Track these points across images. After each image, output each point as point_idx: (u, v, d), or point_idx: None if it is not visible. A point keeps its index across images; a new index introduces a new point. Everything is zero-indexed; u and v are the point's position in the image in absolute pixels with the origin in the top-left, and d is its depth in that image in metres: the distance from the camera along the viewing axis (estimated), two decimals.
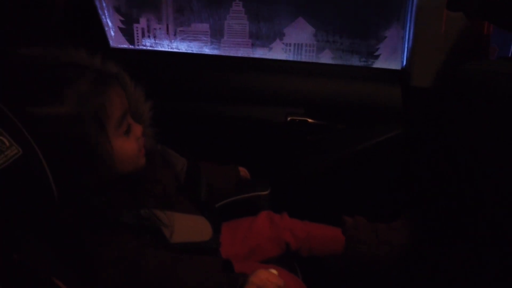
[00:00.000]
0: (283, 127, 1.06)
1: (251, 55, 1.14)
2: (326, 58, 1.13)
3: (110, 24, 1.12)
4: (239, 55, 1.14)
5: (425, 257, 0.93)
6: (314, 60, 1.13)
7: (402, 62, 1.06)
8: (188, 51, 1.15)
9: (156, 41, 1.15)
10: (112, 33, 1.14)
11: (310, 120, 1.06)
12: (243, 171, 1.01)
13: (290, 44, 1.14)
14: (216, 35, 1.14)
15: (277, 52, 1.15)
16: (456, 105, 0.92)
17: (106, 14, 1.11)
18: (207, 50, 1.15)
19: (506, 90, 0.74)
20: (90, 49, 0.69)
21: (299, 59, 1.15)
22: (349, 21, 1.11)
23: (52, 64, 0.61)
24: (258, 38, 1.14)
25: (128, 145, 0.65)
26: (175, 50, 1.15)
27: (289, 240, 0.88)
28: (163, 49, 1.15)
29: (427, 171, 1.00)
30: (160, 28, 1.14)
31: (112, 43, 1.15)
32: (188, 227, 0.69)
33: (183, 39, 1.15)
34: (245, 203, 0.95)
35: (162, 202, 0.69)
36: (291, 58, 1.15)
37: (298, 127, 1.06)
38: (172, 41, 1.15)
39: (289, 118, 1.06)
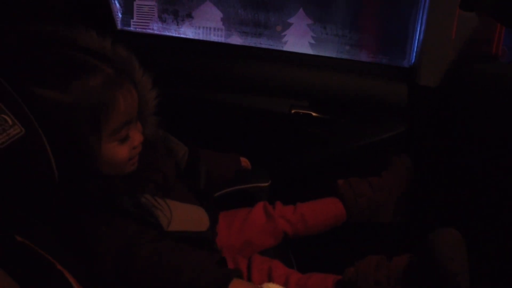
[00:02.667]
0: (286, 119, 1.06)
1: (258, 45, 1.13)
2: (332, 51, 1.12)
3: (117, 5, 1.11)
4: (247, 44, 1.13)
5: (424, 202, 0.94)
6: (325, 53, 1.11)
7: (410, 60, 1.05)
8: (195, 38, 1.14)
9: (163, 26, 1.14)
10: (119, 15, 1.13)
11: (314, 114, 1.06)
12: (244, 161, 1.02)
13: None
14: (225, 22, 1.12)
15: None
16: (463, 106, 0.92)
17: None
18: (214, 38, 1.13)
19: None
20: (97, 30, 0.68)
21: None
22: (359, 15, 1.10)
23: (70, 48, 0.58)
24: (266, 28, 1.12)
25: (119, 152, 0.62)
26: (182, 35, 1.14)
27: (284, 227, 0.88)
28: (170, 33, 1.14)
29: (429, 171, 1.00)
30: (168, 12, 1.13)
31: (119, 25, 1.14)
32: (185, 217, 0.70)
33: (190, 25, 1.13)
34: (244, 194, 0.95)
35: (161, 190, 0.69)
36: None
37: (302, 120, 1.06)
38: (180, 26, 1.14)
39: (293, 111, 1.06)
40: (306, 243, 0.91)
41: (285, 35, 1.12)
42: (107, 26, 1.10)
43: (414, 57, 1.03)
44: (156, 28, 1.14)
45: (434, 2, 0.91)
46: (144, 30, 1.14)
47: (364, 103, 1.04)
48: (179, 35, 1.14)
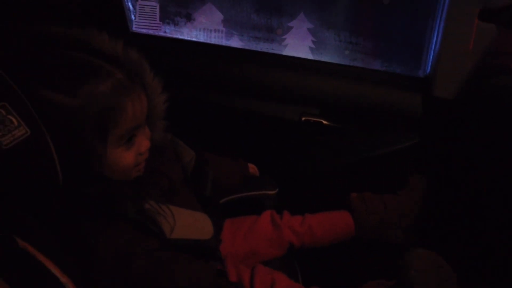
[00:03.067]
0: (296, 126, 1.04)
1: (270, 50, 1.12)
2: (347, 59, 1.10)
3: (131, 7, 1.11)
4: (259, 49, 1.12)
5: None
6: (333, 60, 1.10)
7: (425, 70, 1.03)
8: (207, 41, 1.13)
9: (176, 28, 1.14)
10: (133, 17, 1.13)
11: (325, 122, 1.04)
12: (252, 168, 1.00)
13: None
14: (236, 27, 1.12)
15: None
16: (479, 120, 0.89)
17: None
18: (225, 41, 1.13)
19: None
20: (110, 32, 0.67)
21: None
22: (372, 21, 1.08)
23: (81, 50, 0.57)
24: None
25: (125, 158, 0.61)
26: (194, 39, 1.13)
27: (291, 238, 0.87)
28: (182, 36, 1.14)
29: (441, 186, 0.97)
30: (180, 15, 1.13)
31: (132, 27, 1.14)
32: (189, 224, 0.68)
33: (203, 28, 1.13)
34: (251, 201, 0.94)
35: (166, 195, 0.68)
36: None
37: (312, 128, 1.04)
38: (192, 29, 1.13)
39: (303, 118, 1.04)
40: (312, 255, 0.89)
41: (285, 39, 1.11)
42: (120, 28, 1.10)
43: (429, 67, 1.01)
44: (158, 28, 1.14)
45: (452, 11, 0.89)
46: (156, 33, 1.14)
47: (377, 113, 1.02)
48: (191, 38, 1.14)
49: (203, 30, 1.13)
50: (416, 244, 0.91)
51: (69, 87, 0.54)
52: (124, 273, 0.56)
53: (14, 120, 0.51)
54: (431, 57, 1.00)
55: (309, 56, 1.11)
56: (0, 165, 0.50)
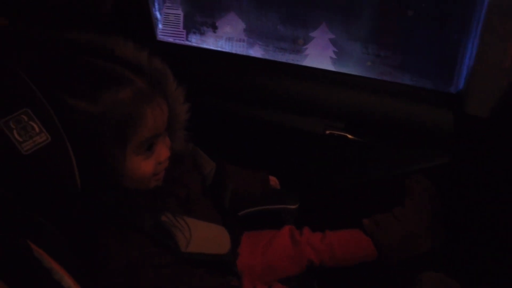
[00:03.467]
0: (320, 140, 1.02)
1: (293, 61, 1.10)
2: (371, 70, 1.07)
3: (158, 16, 1.12)
4: (284, 60, 1.10)
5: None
6: (356, 71, 1.07)
7: (458, 86, 0.98)
8: (232, 52, 1.13)
9: (202, 38, 1.14)
10: (160, 26, 1.14)
11: (350, 136, 1.01)
12: (273, 181, 0.98)
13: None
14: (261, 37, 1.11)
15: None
16: None
17: (156, 6, 1.11)
18: (250, 52, 1.12)
19: None
20: (137, 40, 0.67)
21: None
22: (401, 34, 1.04)
23: (104, 58, 0.58)
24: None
25: (144, 166, 0.60)
26: (219, 49, 1.13)
27: (311, 256, 0.84)
28: (208, 46, 1.14)
29: (471, 207, 0.92)
30: (204, 24, 1.13)
31: (159, 36, 1.15)
32: (205, 237, 0.66)
33: (228, 39, 1.13)
34: (271, 215, 0.92)
35: (183, 207, 0.66)
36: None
37: (337, 142, 1.01)
38: (217, 39, 1.13)
39: (327, 132, 1.01)
40: (332, 275, 0.85)
41: (306, 49, 1.09)
42: (147, 37, 1.11)
43: (462, 83, 0.96)
44: (182, 36, 1.14)
45: (488, 25, 0.85)
46: (181, 42, 1.15)
47: (405, 129, 0.98)
48: (216, 48, 1.13)
49: (226, 39, 1.13)
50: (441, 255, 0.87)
51: (90, 94, 0.54)
52: (133, 286, 0.55)
53: (35, 126, 0.51)
54: (464, 72, 0.95)
55: (330, 67, 1.08)
56: (19, 171, 0.50)
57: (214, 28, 1.13)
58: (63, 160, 0.53)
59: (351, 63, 1.09)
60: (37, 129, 0.51)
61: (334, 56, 1.09)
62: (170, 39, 1.15)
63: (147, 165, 0.61)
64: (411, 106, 0.98)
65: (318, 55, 1.10)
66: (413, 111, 0.98)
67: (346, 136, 1.01)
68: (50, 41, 0.59)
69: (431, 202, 0.90)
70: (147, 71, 0.60)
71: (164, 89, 0.63)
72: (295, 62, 1.10)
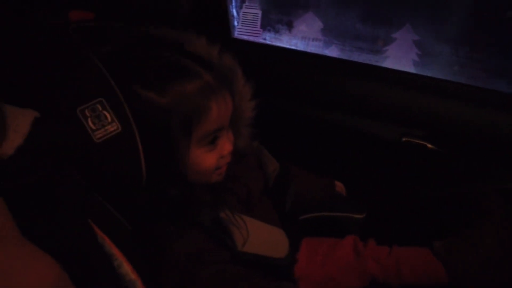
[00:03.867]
0: (395, 147, 0.94)
1: (367, 61, 1.04)
2: (460, 75, 0.97)
3: (235, 14, 1.13)
4: (357, 59, 1.04)
5: None
6: (441, 76, 0.97)
7: None
8: (307, 50, 1.10)
9: (275, 36, 1.13)
10: (236, 23, 1.15)
11: (429, 146, 0.92)
12: (339, 187, 0.93)
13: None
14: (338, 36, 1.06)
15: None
16: None
17: (233, 4, 1.12)
18: (326, 51, 1.08)
19: None
20: (212, 37, 0.68)
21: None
22: (498, 36, 0.93)
23: (175, 51, 0.60)
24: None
25: (206, 160, 0.61)
26: (293, 47, 1.11)
27: (374, 271, 0.77)
28: (281, 44, 1.12)
29: None
30: (281, 23, 1.12)
31: (234, 33, 1.16)
32: (263, 239, 0.65)
33: (303, 37, 1.10)
34: (334, 222, 0.87)
35: (243, 206, 0.65)
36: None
37: (414, 151, 0.93)
38: (291, 37, 1.11)
39: (404, 139, 0.93)
40: None
41: (386, 50, 1.02)
42: (222, 34, 1.13)
43: None
44: (258, 35, 1.15)
45: None
46: (256, 39, 1.15)
47: (495, 142, 0.86)
48: (290, 47, 1.11)
49: (302, 38, 1.10)
50: None
51: (159, 86, 0.56)
52: (190, 280, 0.55)
53: (108, 115, 0.54)
54: None
55: (412, 70, 1.00)
56: (91, 157, 0.53)
57: (290, 27, 1.11)
58: (131, 150, 0.55)
59: (436, 67, 0.99)
60: (109, 119, 0.54)
61: (417, 59, 1.01)
62: (245, 37, 1.15)
63: (210, 158, 0.61)
64: (505, 117, 0.87)
65: (400, 57, 1.02)
66: (506, 123, 0.86)
67: (426, 145, 0.92)
68: (126, 35, 0.61)
69: (509, 224, 0.78)
70: (217, 66, 0.61)
71: (231, 85, 0.63)
72: (373, 63, 1.04)
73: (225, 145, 0.63)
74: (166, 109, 0.56)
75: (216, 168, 0.64)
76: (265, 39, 1.15)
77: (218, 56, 0.64)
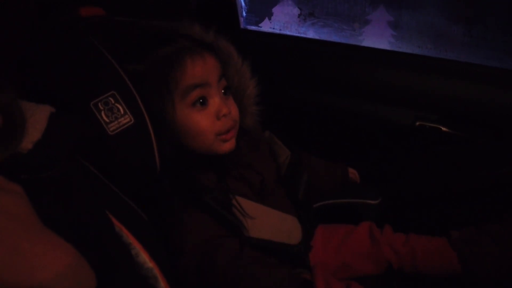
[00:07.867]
0: (408, 132, 0.93)
1: (382, 47, 1.02)
2: (477, 56, 0.94)
3: (243, 4, 1.13)
4: (369, 45, 1.03)
5: None
6: (460, 58, 0.95)
7: None
8: (315, 37, 1.09)
9: (285, 24, 1.12)
10: (244, 14, 1.14)
11: (444, 129, 0.91)
12: (352, 173, 0.93)
13: None
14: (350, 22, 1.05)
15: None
16: None
17: None
18: (336, 38, 1.07)
19: None
20: (220, 27, 0.70)
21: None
22: None
23: (164, 33, 0.65)
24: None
25: (198, 120, 0.61)
26: (302, 35, 1.10)
27: (390, 257, 0.77)
28: (290, 33, 1.12)
29: None
30: (291, 11, 1.11)
31: (243, 24, 1.15)
32: (276, 225, 0.65)
33: (312, 24, 1.09)
34: (348, 209, 0.87)
35: (256, 194, 0.66)
36: None
37: (428, 135, 0.92)
38: (301, 25, 1.10)
39: (418, 123, 0.92)
40: (415, 282, 0.77)
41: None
42: (231, 24, 1.13)
43: None
44: (265, 24, 1.15)
45: None
46: (263, 29, 1.14)
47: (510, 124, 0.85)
48: (299, 35, 1.10)
49: (311, 24, 1.09)
50: None
51: (137, 56, 0.61)
52: (208, 266, 0.56)
53: (121, 108, 0.55)
54: None
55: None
56: (105, 150, 0.54)
57: (299, 14, 1.10)
58: (145, 141, 0.56)
59: (448, 47, 0.97)
60: (122, 111, 0.55)
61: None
62: (253, 27, 1.15)
63: (204, 118, 0.62)
64: None
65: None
66: None
67: (440, 129, 0.91)
68: (127, 26, 0.64)
69: None
70: (209, 44, 0.65)
71: (221, 57, 0.67)
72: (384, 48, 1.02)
73: (218, 105, 0.63)
74: (145, 74, 0.60)
75: (218, 133, 0.63)
76: (274, 28, 1.14)
77: (214, 39, 0.68)
